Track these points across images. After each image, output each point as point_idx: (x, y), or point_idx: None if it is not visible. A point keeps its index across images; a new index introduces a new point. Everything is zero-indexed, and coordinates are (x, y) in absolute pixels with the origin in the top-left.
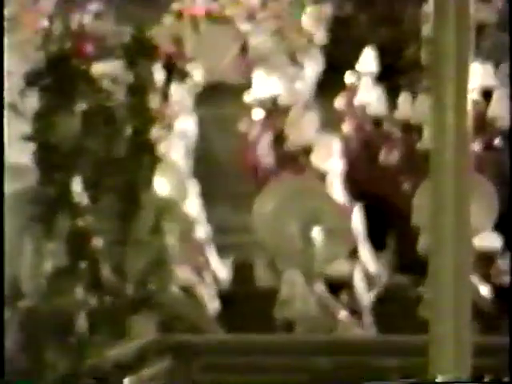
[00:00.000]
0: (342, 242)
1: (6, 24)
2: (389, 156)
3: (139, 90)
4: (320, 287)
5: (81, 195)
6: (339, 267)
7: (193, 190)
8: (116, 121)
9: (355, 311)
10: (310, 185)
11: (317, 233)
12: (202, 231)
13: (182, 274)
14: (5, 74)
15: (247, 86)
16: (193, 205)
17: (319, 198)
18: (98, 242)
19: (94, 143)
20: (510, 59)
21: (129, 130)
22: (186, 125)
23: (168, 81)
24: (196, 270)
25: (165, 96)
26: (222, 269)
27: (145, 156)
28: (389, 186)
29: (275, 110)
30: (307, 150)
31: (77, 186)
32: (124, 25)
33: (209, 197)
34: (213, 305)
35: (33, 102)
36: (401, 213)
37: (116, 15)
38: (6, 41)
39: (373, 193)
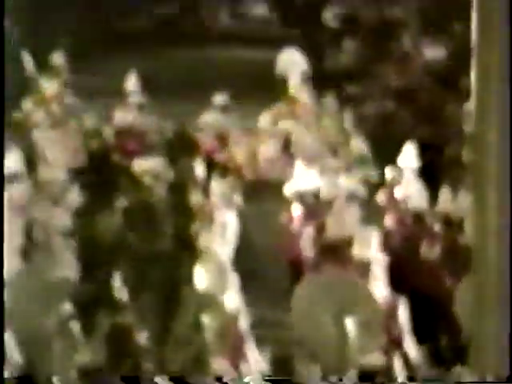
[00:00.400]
0: (377, 334)
1: (49, 120)
2: (430, 250)
3: (180, 186)
4: (352, 377)
5: (121, 291)
6: (373, 359)
7: (233, 282)
8: (157, 217)
9: None
10: (344, 276)
11: (350, 324)
12: (241, 323)
13: (219, 366)
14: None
15: (288, 179)
16: (233, 298)
17: (353, 289)
18: (138, 339)
19: (135, 239)
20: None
21: (169, 226)
22: (227, 218)
23: (209, 175)
24: (233, 362)
25: (206, 190)
26: (261, 361)
27: (185, 252)
28: (431, 279)
29: (316, 203)
30: (348, 242)
31: (117, 282)
32: (166, 119)
33: (249, 289)
34: None
35: (75, 197)
36: (443, 305)
37: (159, 109)
38: (50, 134)
39: (415, 285)
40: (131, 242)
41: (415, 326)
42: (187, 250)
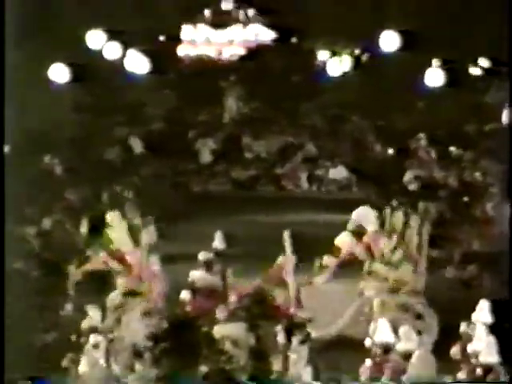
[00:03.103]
0: None
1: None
2: None
3: (261, 353)
4: None
5: None
6: None
7: None
8: None
9: None
10: None
11: None
12: None
13: None
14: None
15: (366, 336)
16: None
17: None
18: None
19: None
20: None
21: None
22: None
23: (289, 342)
24: None
25: (286, 357)
26: None
27: None
28: None
29: (395, 355)
30: None
31: None
32: (245, 283)
33: None
34: None
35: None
36: None
37: (238, 273)
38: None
39: None
40: None
41: None
42: None
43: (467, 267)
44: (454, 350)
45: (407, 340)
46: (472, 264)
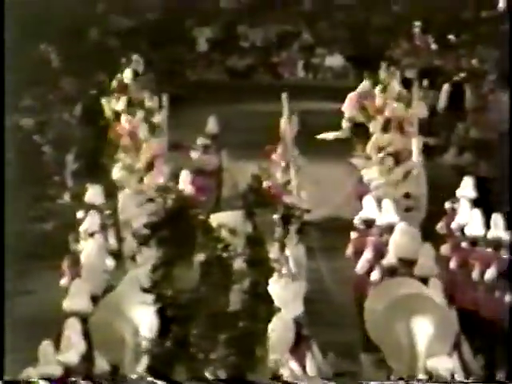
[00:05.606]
0: (444, 340)
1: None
2: (482, 272)
3: (258, 240)
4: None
5: (197, 346)
6: (443, 362)
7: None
8: (233, 272)
9: None
10: (414, 287)
11: (421, 329)
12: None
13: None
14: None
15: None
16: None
17: (422, 298)
18: None
19: (211, 295)
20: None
21: (246, 282)
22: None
23: (286, 231)
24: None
25: (283, 246)
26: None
27: (261, 307)
28: (482, 298)
29: (377, 229)
30: (410, 262)
31: (194, 337)
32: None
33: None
34: None
35: (151, 253)
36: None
37: (234, 163)
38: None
39: (467, 302)
40: (207, 297)
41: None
42: (263, 307)
43: (464, 154)
44: (440, 225)
45: (388, 214)
46: (468, 151)
